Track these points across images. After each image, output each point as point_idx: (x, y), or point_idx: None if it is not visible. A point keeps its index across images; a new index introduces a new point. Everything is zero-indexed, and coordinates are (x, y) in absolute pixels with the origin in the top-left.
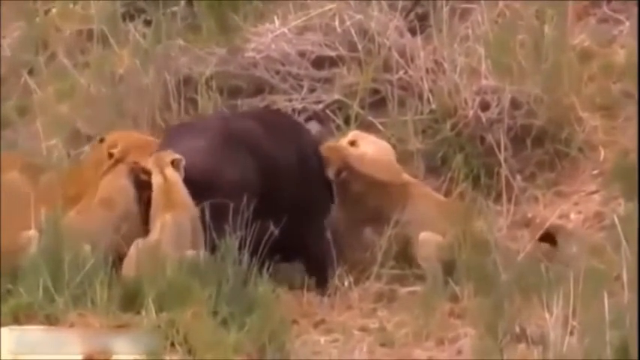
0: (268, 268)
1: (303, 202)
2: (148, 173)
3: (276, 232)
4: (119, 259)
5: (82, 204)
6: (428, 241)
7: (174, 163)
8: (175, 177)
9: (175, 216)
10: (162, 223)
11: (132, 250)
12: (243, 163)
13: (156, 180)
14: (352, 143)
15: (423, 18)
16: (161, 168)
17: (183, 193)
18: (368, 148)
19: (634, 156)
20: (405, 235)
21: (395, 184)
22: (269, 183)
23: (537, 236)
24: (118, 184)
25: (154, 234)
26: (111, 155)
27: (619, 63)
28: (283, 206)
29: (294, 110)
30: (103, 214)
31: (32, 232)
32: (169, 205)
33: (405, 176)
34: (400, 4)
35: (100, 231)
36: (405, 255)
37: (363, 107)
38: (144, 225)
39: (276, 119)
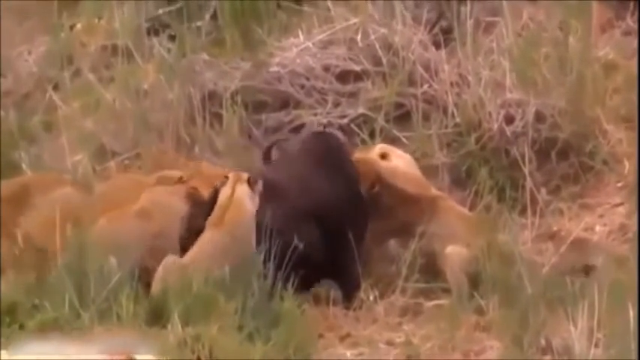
0: (293, 283)
1: (342, 223)
2: (205, 201)
3: (301, 246)
4: (145, 273)
5: (115, 213)
6: (455, 254)
7: (249, 181)
8: (242, 194)
9: (215, 234)
10: (201, 238)
11: (162, 267)
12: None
13: (223, 193)
14: (383, 156)
15: (447, 32)
16: (235, 183)
17: (241, 211)
18: (398, 162)
19: None
20: (430, 249)
21: (424, 197)
22: (315, 218)
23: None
24: (161, 200)
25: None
26: (180, 179)
27: None
28: (323, 230)
29: (319, 125)
30: (137, 224)
31: None
32: (218, 222)
33: (434, 190)
34: (424, 18)
35: (130, 240)
36: (430, 268)
37: (387, 121)
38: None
39: (319, 148)
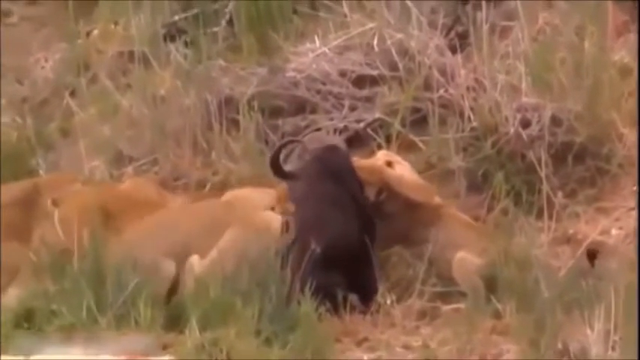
0: (311, 287)
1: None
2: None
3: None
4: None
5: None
6: (464, 260)
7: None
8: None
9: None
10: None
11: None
12: None
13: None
14: (389, 164)
15: (463, 36)
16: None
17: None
18: (402, 169)
19: None
20: (436, 256)
21: (429, 205)
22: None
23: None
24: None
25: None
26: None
27: None
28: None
29: (335, 130)
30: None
31: None
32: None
33: (437, 198)
34: (440, 23)
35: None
36: (445, 273)
37: (404, 126)
38: None
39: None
